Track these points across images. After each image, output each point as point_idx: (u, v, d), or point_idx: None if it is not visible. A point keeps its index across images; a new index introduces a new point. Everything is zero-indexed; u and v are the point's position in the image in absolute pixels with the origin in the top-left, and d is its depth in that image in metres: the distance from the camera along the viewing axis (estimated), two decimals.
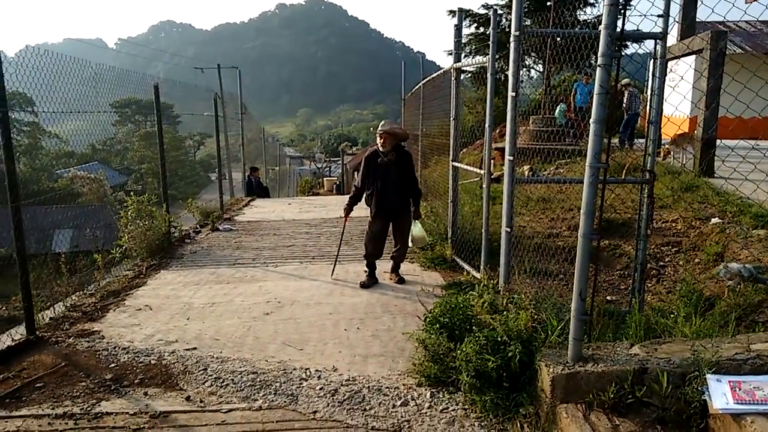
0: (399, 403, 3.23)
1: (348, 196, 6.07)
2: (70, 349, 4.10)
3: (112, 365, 3.81)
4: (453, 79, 6.19)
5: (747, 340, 2.84)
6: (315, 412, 3.16)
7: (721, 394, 2.33)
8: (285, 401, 3.28)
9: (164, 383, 3.54)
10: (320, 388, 3.42)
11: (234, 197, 14.03)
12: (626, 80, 10.85)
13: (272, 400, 3.29)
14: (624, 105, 11.51)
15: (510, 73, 4.28)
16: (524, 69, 17.67)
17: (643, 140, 4.23)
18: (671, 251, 6.25)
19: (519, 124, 4.59)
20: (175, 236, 7.92)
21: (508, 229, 4.41)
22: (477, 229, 5.87)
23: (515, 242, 4.56)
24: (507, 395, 3.02)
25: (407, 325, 4.42)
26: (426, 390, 3.36)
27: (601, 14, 2.73)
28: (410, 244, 5.85)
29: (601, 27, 2.68)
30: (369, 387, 3.42)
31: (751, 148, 3.74)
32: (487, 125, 5.09)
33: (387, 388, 3.41)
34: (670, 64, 5.72)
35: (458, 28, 6.36)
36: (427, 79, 8.63)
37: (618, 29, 2.77)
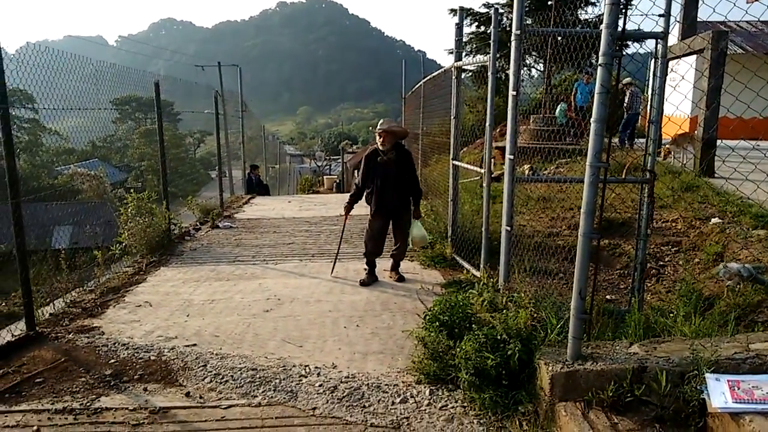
0: (398, 400, 3.24)
1: (348, 195, 6.08)
2: (70, 344, 4.10)
3: (112, 361, 3.81)
4: (454, 77, 6.19)
5: (746, 340, 2.85)
6: (314, 408, 3.16)
7: (719, 393, 2.34)
8: (284, 398, 3.28)
9: (164, 379, 3.54)
10: (320, 385, 3.42)
11: (234, 195, 14.02)
12: (628, 80, 10.83)
13: (272, 397, 3.30)
14: (625, 104, 11.50)
15: (511, 71, 4.28)
16: (525, 68, 17.68)
17: (643, 140, 4.23)
18: (671, 251, 6.26)
19: (519, 123, 4.59)
20: (175, 233, 7.92)
21: (508, 228, 4.42)
22: (477, 228, 5.88)
23: (515, 241, 4.57)
24: (506, 393, 3.03)
25: (407, 323, 4.42)
26: (425, 387, 3.37)
27: (603, 13, 2.73)
28: (410, 245, 5.85)
29: (603, 26, 2.68)
30: (368, 384, 3.43)
31: (752, 149, 3.75)
32: (487, 124, 5.09)
33: (386, 385, 3.42)
34: (671, 63, 5.71)
35: (459, 27, 6.36)
36: (428, 77, 8.63)
37: (619, 28, 2.78)
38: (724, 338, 2.95)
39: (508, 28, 14.06)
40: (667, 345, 2.90)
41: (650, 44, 3.95)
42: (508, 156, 4.29)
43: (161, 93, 7.70)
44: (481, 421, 2.99)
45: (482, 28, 18.28)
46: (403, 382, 3.46)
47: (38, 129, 24.94)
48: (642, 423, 2.46)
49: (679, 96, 3.98)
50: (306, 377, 3.54)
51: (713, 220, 6.33)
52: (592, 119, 2.69)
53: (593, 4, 17.15)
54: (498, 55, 4.87)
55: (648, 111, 4.11)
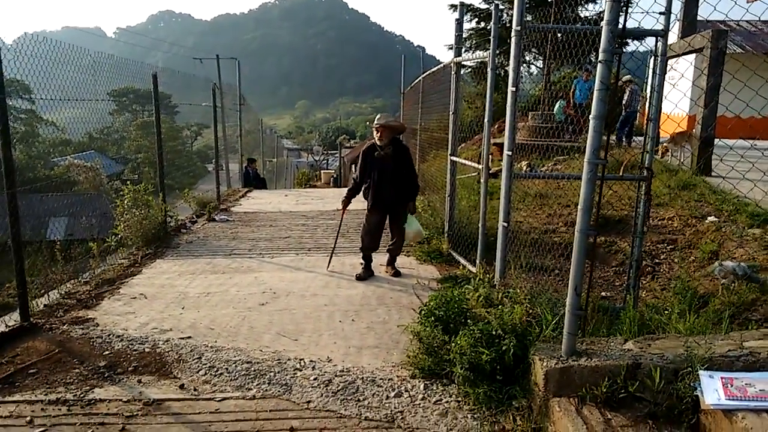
0: (393, 394, 3.24)
1: (346, 189, 6.06)
2: (64, 335, 4.09)
3: (106, 352, 3.80)
4: (453, 73, 6.17)
5: (740, 338, 2.86)
6: (309, 401, 3.17)
7: (713, 390, 2.34)
8: (279, 391, 3.28)
9: (158, 371, 3.54)
10: (314, 379, 3.42)
11: (231, 188, 14.00)
12: (628, 77, 10.83)
13: (266, 390, 3.30)
14: (624, 102, 11.50)
15: (510, 67, 4.27)
16: (524, 65, 17.66)
17: (641, 138, 4.23)
18: (667, 249, 6.26)
19: (518, 120, 4.58)
20: (171, 226, 7.90)
21: (505, 224, 4.41)
22: (474, 224, 5.88)
23: (512, 237, 4.57)
24: (500, 388, 3.03)
25: (402, 318, 4.42)
26: (420, 382, 3.37)
27: (603, 11, 2.72)
28: (406, 240, 5.85)
29: (603, 23, 2.67)
30: (363, 378, 3.43)
31: (750, 147, 3.75)
32: (486, 120, 5.08)
33: (381, 379, 3.42)
34: (670, 61, 5.70)
35: (459, 22, 6.33)
36: (427, 73, 8.61)
37: (620, 26, 2.77)
38: (718, 336, 2.96)
39: (508, 25, 14.03)
40: (661, 342, 2.91)
41: (650, 42, 3.95)
42: (506, 152, 4.28)
43: (159, 85, 7.66)
44: (475, 416, 2.99)
45: (482, 24, 18.24)
46: (397, 376, 3.46)
47: (35, 120, 24.79)
48: (635, 419, 2.47)
49: (678, 94, 3.98)
50: (301, 371, 3.54)
51: (709, 219, 6.34)
52: (591, 116, 2.68)
53: (593, 1, 17.13)
54: (497, 52, 4.85)
55: (647, 109, 4.11)
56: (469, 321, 3.47)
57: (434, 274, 5.78)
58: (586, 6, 17.08)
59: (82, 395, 3.21)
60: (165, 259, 6.46)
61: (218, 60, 19.31)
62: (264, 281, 5.53)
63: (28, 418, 2.97)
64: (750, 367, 2.53)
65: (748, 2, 3.75)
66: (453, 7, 17.30)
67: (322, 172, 35.03)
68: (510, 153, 4.26)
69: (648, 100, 4.08)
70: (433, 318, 3.60)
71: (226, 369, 3.55)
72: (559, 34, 4.62)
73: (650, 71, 4.04)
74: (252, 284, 5.44)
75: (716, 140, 7.88)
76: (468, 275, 5.26)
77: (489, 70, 4.87)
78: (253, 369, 3.55)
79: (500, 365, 3.04)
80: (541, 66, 16.68)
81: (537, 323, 3.31)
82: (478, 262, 5.19)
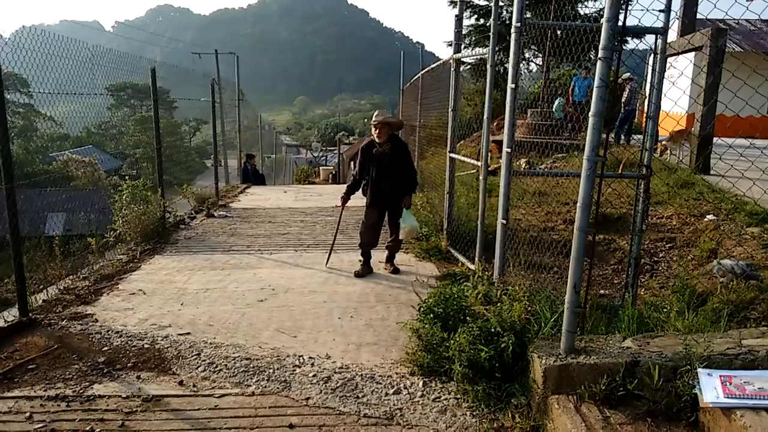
0: (392, 391, 3.25)
1: (345, 185, 6.06)
2: (63, 331, 4.09)
3: (105, 348, 3.80)
4: (453, 69, 6.16)
5: (738, 336, 2.87)
6: (308, 398, 3.17)
7: (711, 388, 2.35)
8: (278, 387, 3.29)
9: (157, 367, 3.54)
10: (313, 375, 3.43)
11: (229, 184, 13.98)
12: (627, 75, 10.83)
13: (265, 386, 3.30)
14: (623, 100, 11.50)
15: (510, 64, 4.26)
16: (523, 62, 17.62)
17: (640, 136, 4.23)
18: (665, 247, 6.27)
19: (517, 117, 4.58)
20: (169, 221, 7.89)
21: (504, 222, 4.41)
22: (472, 221, 5.88)
23: (510, 235, 4.57)
24: (499, 386, 3.04)
25: (401, 315, 4.43)
26: (419, 379, 3.37)
27: (603, 8, 2.71)
28: (401, 236, 5.85)
29: (603, 20, 2.67)
30: (362, 375, 3.43)
31: (749, 146, 3.75)
32: (485, 117, 5.07)
33: (380, 376, 3.42)
34: (669, 59, 5.70)
35: (459, 19, 6.32)
36: (426, 69, 8.59)
37: (620, 23, 2.76)
38: (717, 334, 2.97)
39: (507, 22, 14.02)
40: (660, 340, 2.91)
41: (649, 40, 3.94)
42: (505, 149, 4.28)
43: (157, 80, 7.63)
44: (474, 413, 3.00)
45: (481, 21, 18.21)
46: (396, 373, 3.47)
47: (32, 114, 24.69)
48: (634, 417, 2.48)
49: (678, 92, 3.98)
50: (300, 367, 3.54)
51: (708, 217, 6.35)
52: (590, 113, 2.68)
53: None
54: (497, 48, 4.84)
55: (646, 107, 4.11)
56: (468, 318, 3.47)
57: (433, 271, 5.78)
58: (585, 3, 17.08)
59: (81, 391, 3.21)
60: (164, 255, 6.46)
61: (217, 55, 19.29)
62: (263, 278, 5.53)
63: (28, 414, 2.97)
64: (748, 365, 2.53)
65: (748, 0, 3.74)
66: (453, 3, 17.23)
67: (320, 168, 34.97)
68: (509, 150, 4.26)
69: (647, 98, 4.08)
70: (432, 315, 3.61)
71: (225, 365, 3.55)
72: (558, 31, 4.62)
73: (650, 69, 4.04)
74: (251, 281, 5.44)
75: (715, 138, 7.90)
76: (467, 272, 5.26)
77: (488, 67, 4.86)
78: (252, 365, 3.55)
79: (499, 363, 3.04)
80: (541, 63, 16.66)
81: (536, 321, 3.32)
82: (477, 259, 5.19)
